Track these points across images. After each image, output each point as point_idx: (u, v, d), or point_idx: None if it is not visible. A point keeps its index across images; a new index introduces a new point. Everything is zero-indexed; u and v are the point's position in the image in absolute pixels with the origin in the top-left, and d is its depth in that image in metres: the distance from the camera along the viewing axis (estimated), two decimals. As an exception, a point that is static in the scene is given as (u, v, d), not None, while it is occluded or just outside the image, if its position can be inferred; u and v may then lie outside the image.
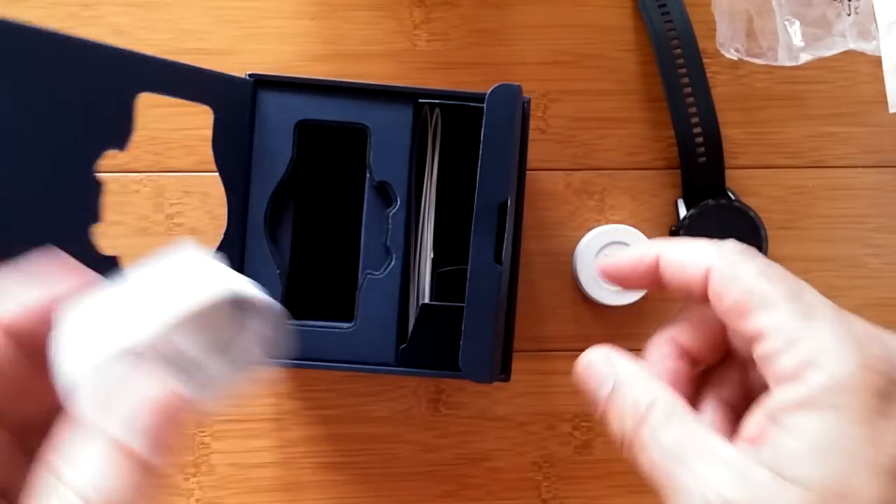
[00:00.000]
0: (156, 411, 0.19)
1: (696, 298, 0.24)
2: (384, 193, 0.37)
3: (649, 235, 0.44)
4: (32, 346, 0.21)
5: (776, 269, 0.23)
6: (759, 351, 0.22)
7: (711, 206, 0.44)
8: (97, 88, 0.30)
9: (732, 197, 0.45)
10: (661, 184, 0.46)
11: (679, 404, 0.23)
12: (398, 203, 0.36)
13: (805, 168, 0.47)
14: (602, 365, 0.25)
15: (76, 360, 0.19)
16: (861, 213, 0.46)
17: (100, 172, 0.30)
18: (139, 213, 0.43)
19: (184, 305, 0.20)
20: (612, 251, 0.44)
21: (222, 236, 0.35)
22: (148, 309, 0.20)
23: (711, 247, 0.24)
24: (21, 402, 0.21)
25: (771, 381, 0.22)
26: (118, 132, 0.31)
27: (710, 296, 0.23)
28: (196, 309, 0.20)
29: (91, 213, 0.30)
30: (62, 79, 0.29)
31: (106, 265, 0.31)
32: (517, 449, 0.46)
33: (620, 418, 0.23)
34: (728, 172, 0.45)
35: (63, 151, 0.29)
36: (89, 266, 0.30)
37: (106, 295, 0.20)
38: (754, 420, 0.22)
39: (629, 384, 0.24)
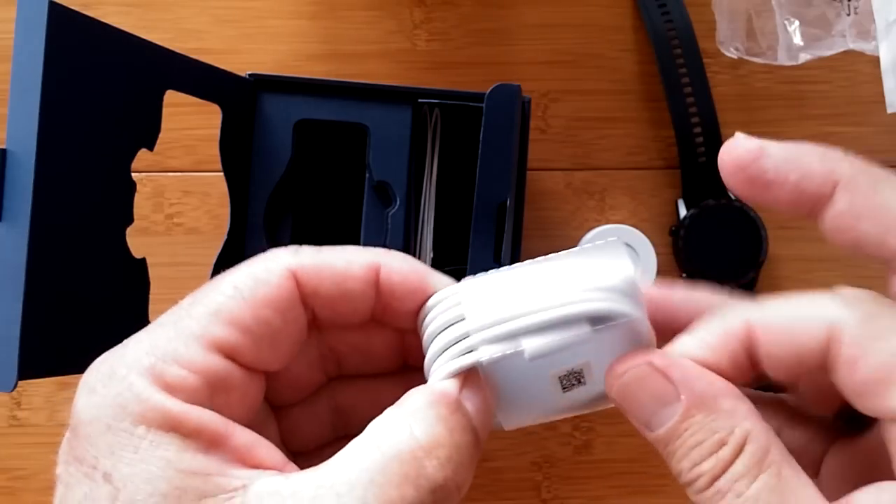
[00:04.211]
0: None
1: (806, 373, 0.19)
2: (383, 193, 0.37)
3: (650, 235, 0.44)
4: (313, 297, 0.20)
5: None
6: None
7: (711, 206, 0.44)
8: (137, 84, 0.30)
9: (732, 197, 0.45)
10: (660, 184, 0.46)
11: (778, 448, 0.18)
12: (397, 203, 0.36)
13: (805, 168, 0.46)
14: (660, 379, 0.18)
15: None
16: (861, 213, 0.46)
17: (134, 172, 0.30)
18: (139, 213, 0.43)
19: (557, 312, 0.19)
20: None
21: (224, 236, 0.35)
22: (526, 303, 0.19)
23: (828, 300, 0.18)
24: (279, 349, 0.20)
25: None
26: (150, 131, 0.31)
27: (838, 365, 0.18)
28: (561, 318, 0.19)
29: (126, 214, 0.30)
30: (110, 72, 0.28)
31: (136, 267, 0.31)
32: (517, 449, 0.46)
33: (692, 456, 0.18)
34: (728, 172, 0.45)
35: (108, 148, 0.29)
36: (121, 268, 0.30)
37: (492, 276, 0.20)
38: None
39: (709, 411, 0.18)
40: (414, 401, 0.18)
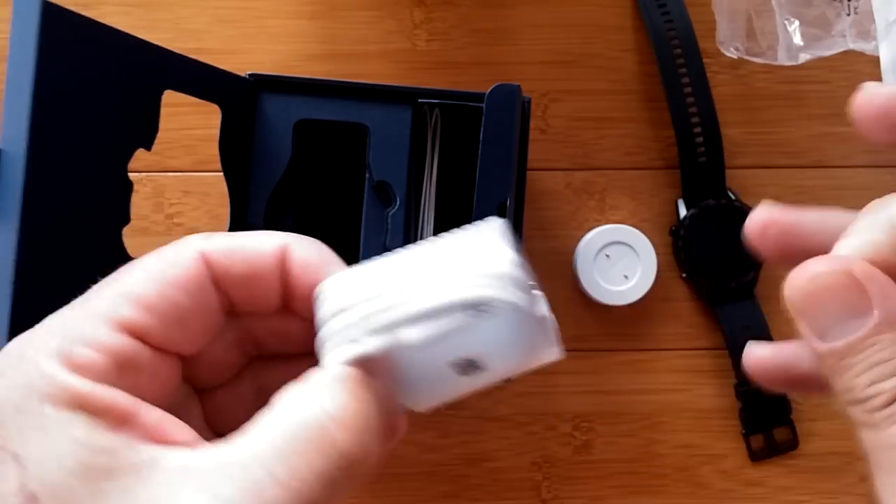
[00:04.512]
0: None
1: None
2: (384, 193, 0.37)
3: (649, 235, 0.44)
4: (236, 282, 0.20)
5: None
6: None
7: (711, 206, 0.44)
8: (134, 84, 0.30)
9: (732, 197, 0.45)
10: (660, 184, 0.46)
11: None
12: (397, 203, 0.36)
13: (805, 168, 0.46)
14: (856, 289, 0.18)
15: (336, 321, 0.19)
16: (861, 213, 0.46)
17: (131, 172, 0.30)
18: (139, 213, 0.43)
19: (437, 300, 0.19)
20: (612, 251, 0.44)
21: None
22: (407, 290, 0.19)
23: None
24: (190, 331, 0.20)
25: None
26: (148, 131, 0.31)
27: None
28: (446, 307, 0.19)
29: (123, 213, 0.30)
30: (106, 72, 0.28)
31: None
32: (517, 449, 0.46)
33: (873, 373, 0.17)
34: (728, 172, 0.45)
35: (104, 148, 0.29)
36: (117, 268, 0.29)
37: (377, 264, 0.20)
38: None
39: None
40: (319, 377, 0.18)
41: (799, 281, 0.18)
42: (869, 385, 0.17)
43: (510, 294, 0.19)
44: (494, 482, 0.46)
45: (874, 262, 0.18)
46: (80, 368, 0.17)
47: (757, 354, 0.22)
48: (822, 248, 0.20)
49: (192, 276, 0.19)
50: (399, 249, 0.20)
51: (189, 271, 0.19)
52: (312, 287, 0.20)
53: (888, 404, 0.17)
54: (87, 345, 0.18)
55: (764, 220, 0.21)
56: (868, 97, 0.20)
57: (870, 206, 0.19)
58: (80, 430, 0.16)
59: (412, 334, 0.19)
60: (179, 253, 0.19)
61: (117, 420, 0.17)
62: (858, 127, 0.20)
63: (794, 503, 0.46)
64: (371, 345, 0.19)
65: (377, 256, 0.20)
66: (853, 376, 0.18)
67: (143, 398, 0.18)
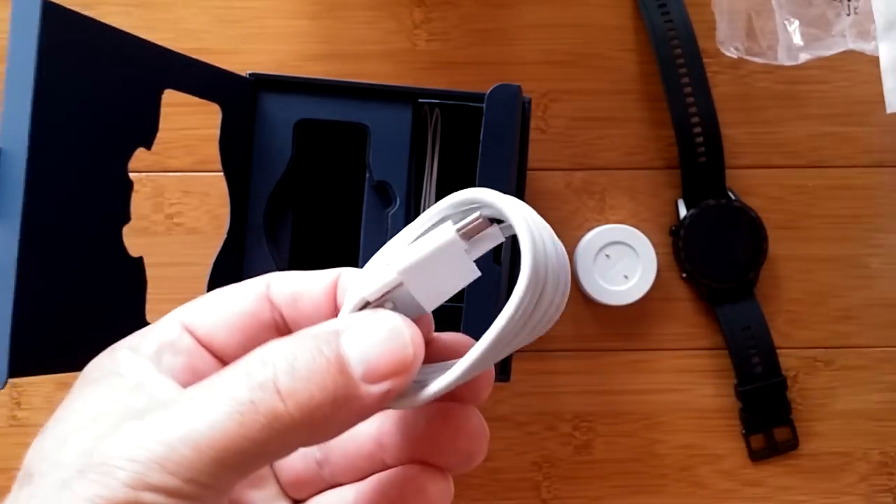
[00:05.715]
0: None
1: None
2: (384, 193, 0.37)
3: (650, 235, 0.44)
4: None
5: None
6: None
7: (711, 206, 0.44)
8: (134, 83, 0.30)
9: (732, 197, 0.45)
10: (661, 184, 0.46)
11: None
12: (398, 203, 0.36)
13: (805, 168, 0.46)
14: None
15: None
16: (861, 213, 0.46)
17: (131, 172, 0.30)
18: (139, 213, 0.43)
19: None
20: (612, 251, 0.44)
21: (224, 236, 0.35)
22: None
23: None
24: None
25: None
26: (148, 130, 0.31)
27: None
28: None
29: (123, 213, 0.30)
30: (106, 71, 0.28)
31: (133, 266, 0.31)
32: (517, 449, 0.46)
33: None
34: (728, 172, 0.45)
35: (104, 147, 0.29)
36: (117, 267, 0.30)
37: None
38: None
39: None
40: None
41: None
42: None
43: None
44: (494, 482, 0.46)
45: None
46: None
47: None
48: None
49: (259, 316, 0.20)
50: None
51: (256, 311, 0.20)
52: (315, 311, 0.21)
53: None
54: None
55: None
56: None
57: None
58: None
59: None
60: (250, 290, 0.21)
61: None
62: None
63: (794, 503, 0.46)
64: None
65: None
66: None
67: None
